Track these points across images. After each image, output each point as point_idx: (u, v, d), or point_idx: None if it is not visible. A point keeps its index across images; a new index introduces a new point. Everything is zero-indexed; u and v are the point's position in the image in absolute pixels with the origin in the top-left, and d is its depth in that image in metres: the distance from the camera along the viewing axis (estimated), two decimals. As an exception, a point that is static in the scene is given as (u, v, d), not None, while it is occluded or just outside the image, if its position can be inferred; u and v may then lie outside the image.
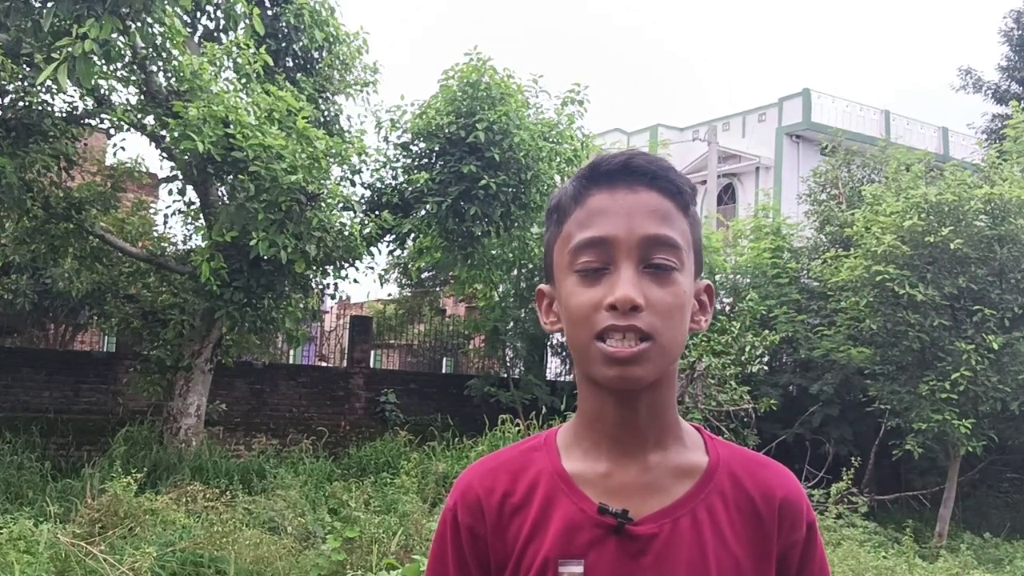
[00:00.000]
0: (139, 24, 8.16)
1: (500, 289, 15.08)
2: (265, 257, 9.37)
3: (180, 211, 11.29)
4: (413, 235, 11.37)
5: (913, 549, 8.50)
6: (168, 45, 8.92)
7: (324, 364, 17.52)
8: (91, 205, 10.59)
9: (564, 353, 16.04)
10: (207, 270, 9.20)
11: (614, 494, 1.09)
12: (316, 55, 11.52)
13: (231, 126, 8.83)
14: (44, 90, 9.32)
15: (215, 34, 10.78)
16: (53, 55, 7.41)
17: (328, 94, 11.67)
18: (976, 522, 11.97)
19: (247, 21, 9.40)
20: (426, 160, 11.50)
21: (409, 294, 21.15)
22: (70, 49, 7.18)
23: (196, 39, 10.55)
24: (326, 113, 11.60)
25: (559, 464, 1.14)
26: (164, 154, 10.27)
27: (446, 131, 10.93)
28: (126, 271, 11.66)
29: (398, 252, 12.93)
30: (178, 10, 8.66)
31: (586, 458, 1.13)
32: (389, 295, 21.51)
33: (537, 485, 1.13)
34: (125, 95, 10.19)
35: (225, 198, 10.36)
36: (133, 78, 9.69)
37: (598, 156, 1.15)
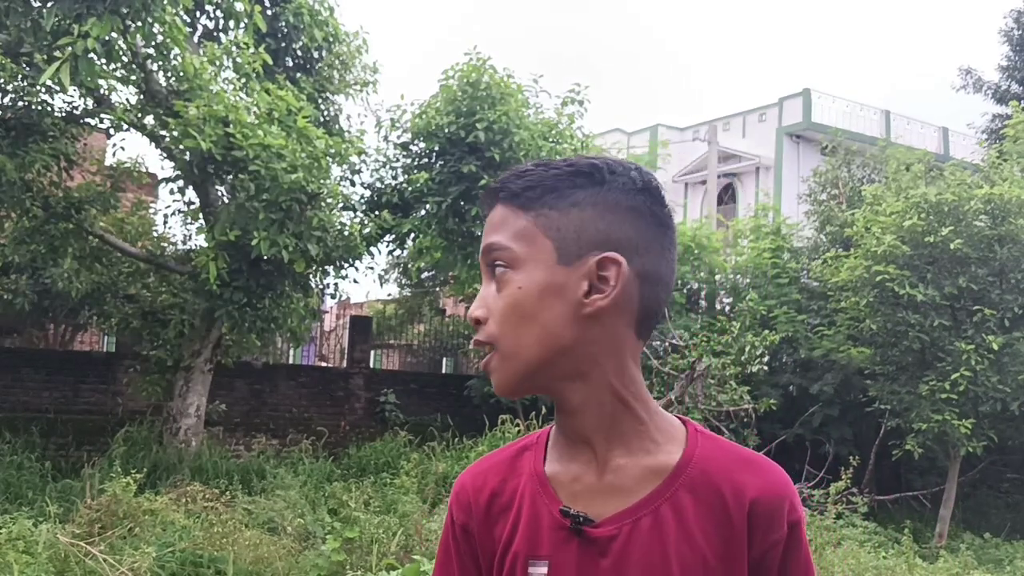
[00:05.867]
0: (139, 23, 8.16)
1: (500, 289, 15.08)
2: (265, 257, 9.37)
3: (180, 211, 11.30)
4: (413, 235, 11.37)
5: (913, 549, 8.49)
6: (169, 44, 8.91)
7: (324, 364, 17.52)
8: (91, 205, 10.57)
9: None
10: (214, 270, 9.19)
11: (580, 496, 1.11)
12: (316, 55, 11.53)
13: (231, 125, 8.83)
14: (44, 90, 9.32)
15: (215, 33, 10.79)
16: (55, 54, 7.41)
17: (328, 94, 11.67)
18: (976, 522, 11.96)
19: (248, 19, 9.40)
20: (426, 160, 11.51)
21: (409, 294, 21.14)
22: (71, 48, 7.18)
23: (195, 39, 10.55)
24: (326, 113, 11.61)
25: (540, 466, 1.16)
26: (164, 154, 10.26)
27: (446, 131, 10.93)
28: (126, 271, 11.65)
29: (398, 252, 12.95)
30: (178, 9, 8.66)
31: (561, 459, 1.15)
32: (389, 295, 21.51)
33: (520, 486, 1.16)
34: (125, 95, 10.20)
35: (225, 198, 10.36)
36: (133, 78, 9.69)
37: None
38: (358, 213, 11.33)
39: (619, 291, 1.06)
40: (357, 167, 11.55)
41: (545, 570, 1.10)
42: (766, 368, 11.66)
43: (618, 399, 1.10)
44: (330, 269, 11.24)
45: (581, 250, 1.08)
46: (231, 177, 9.55)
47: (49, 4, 7.68)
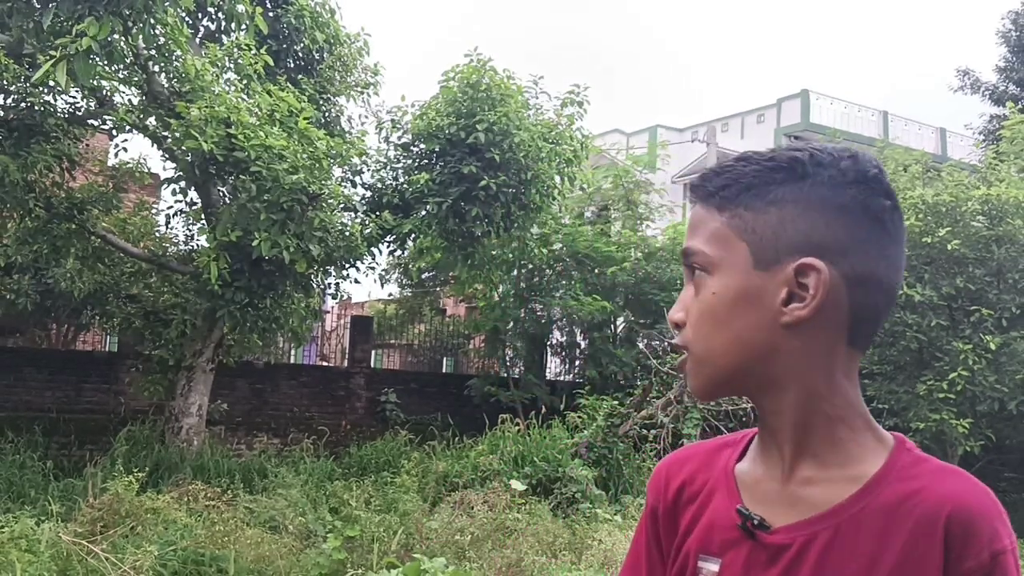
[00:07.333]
0: (141, 25, 8.19)
1: (500, 289, 15.12)
2: (267, 257, 9.42)
3: (182, 212, 11.34)
4: (414, 235, 11.41)
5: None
6: (171, 45, 8.96)
7: (325, 364, 17.56)
8: (93, 205, 10.63)
9: (564, 353, 16.08)
10: (215, 270, 9.23)
11: (760, 500, 1.07)
12: (317, 56, 11.57)
13: (233, 127, 8.88)
14: (47, 91, 9.36)
15: (216, 35, 10.83)
16: (52, 53, 7.44)
17: (329, 95, 11.71)
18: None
19: (249, 21, 9.44)
20: (426, 161, 11.54)
21: (409, 294, 21.19)
22: (65, 48, 7.22)
23: (197, 40, 10.59)
24: (327, 114, 11.65)
25: (733, 463, 1.13)
26: (166, 155, 10.31)
27: (446, 132, 10.96)
28: (128, 271, 11.70)
29: (399, 252, 12.98)
30: (180, 11, 8.70)
31: (754, 460, 1.11)
32: (390, 295, 21.56)
33: (711, 479, 1.13)
34: (127, 96, 10.25)
35: (227, 198, 10.41)
36: (135, 79, 9.73)
37: None
38: (359, 214, 11.37)
39: (820, 300, 0.98)
40: (358, 168, 11.59)
41: (716, 568, 1.07)
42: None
43: (817, 412, 1.03)
44: (331, 269, 11.28)
45: (779, 254, 1.00)
46: (233, 178, 9.59)
47: (50, 5, 7.71)
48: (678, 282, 14.14)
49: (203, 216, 10.75)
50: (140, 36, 8.34)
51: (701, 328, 1.04)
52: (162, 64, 9.51)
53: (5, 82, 9.14)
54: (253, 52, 9.61)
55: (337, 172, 10.95)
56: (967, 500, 0.98)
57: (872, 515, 0.99)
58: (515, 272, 14.73)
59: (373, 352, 17.34)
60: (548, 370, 16.35)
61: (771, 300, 1.00)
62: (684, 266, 1.08)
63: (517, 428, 10.62)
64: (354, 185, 11.70)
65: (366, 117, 36.33)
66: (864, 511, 1.00)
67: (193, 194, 10.77)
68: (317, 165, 9.36)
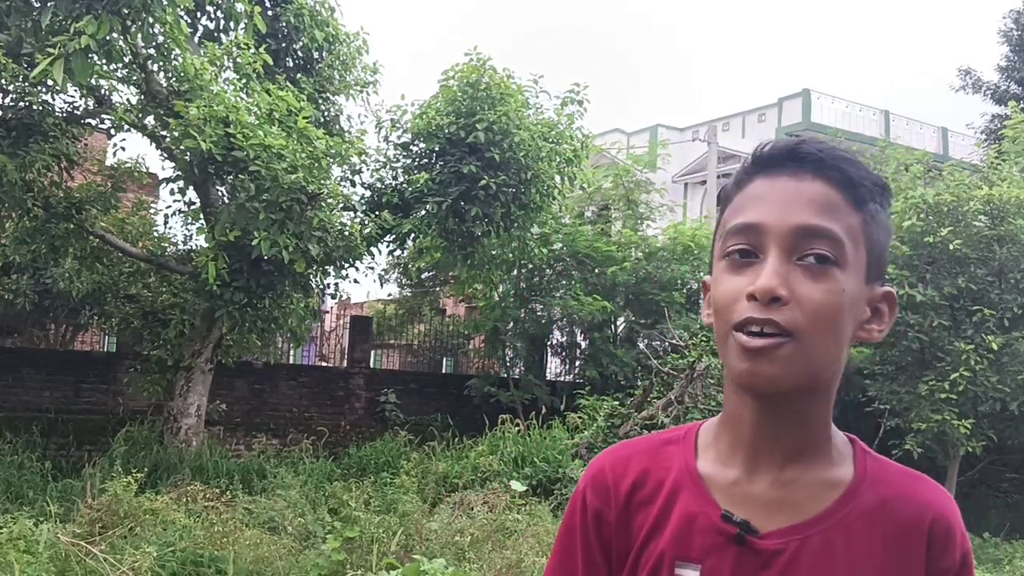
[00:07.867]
0: (139, 23, 8.17)
1: (500, 289, 15.10)
2: (266, 257, 9.39)
3: (180, 211, 11.32)
4: (413, 235, 11.39)
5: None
6: (170, 44, 8.94)
7: (324, 364, 17.55)
8: (91, 205, 10.60)
9: (564, 353, 16.06)
10: (213, 270, 9.21)
11: (741, 502, 1.04)
12: (316, 55, 11.54)
13: (231, 126, 8.85)
14: (45, 90, 9.33)
15: (215, 34, 10.80)
16: (51, 51, 7.42)
17: (328, 94, 11.68)
18: (975, 522, 11.96)
19: (248, 20, 9.42)
20: (426, 160, 11.52)
21: (409, 294, 21.18)
22: (63, 47, 7.19)
23: (196, 39, 10.57)
24: (326, 113, 11.62)
25: (692, 462, 1.09)
26: (164, 154, 10.29)
27: (446, 131, 10.94)
28: (126, 271, 11.68)
29: (398, 252, 12.96)
30: (178, 10, 8.67)
31: (720, 460, 1.08)
32: (389, 295, 21.56)
33: (666, 480, 1.09)
34: (126, 95, 10.23)
35: (225, 198, 10.38)
36: (134, 78, 9.71)
37: (767, 141, 1.08)
38: (358, 213, 11.34)
39: (891, 327, 1.06)
40: (357, 167, 11.56)
41: (696, 574, 1.04)
42: (765, 368, 11.66)
43: (827, 416, 1.06)
44: (330, 269, 11.26)
45: (878, 273, 1.04)
46: (231, 177, 9.56)
47: (48, 3, 7.69)
48: (679, 282, 14.12)
49: (202, 216, 10.72)
50: (139, 35, 8.32)
51: (824, 322, 0.98)
52: (161, 63, 9.48)
53: (4, 81, 9.11)
54: (252, 51, 9.59)
55: (336, 171, 10.93)
56: (945, 507, 1.06)
57: (857, 519, 1.03)
58: (515, 272, 14.71)
59: (372, 352, 17.32)
60: (548, 370, 16.33)
61: (860, 314, 1.03)
62: (790, 238, 0.99)
63: (517, 428, 10.60)
64: (353, 185, 11.68)
65: (365, 116, 36.12)
66: (850, 515, 1.03)
67: (192, 194, 10.75)
68: (316, 164, 9.33)
